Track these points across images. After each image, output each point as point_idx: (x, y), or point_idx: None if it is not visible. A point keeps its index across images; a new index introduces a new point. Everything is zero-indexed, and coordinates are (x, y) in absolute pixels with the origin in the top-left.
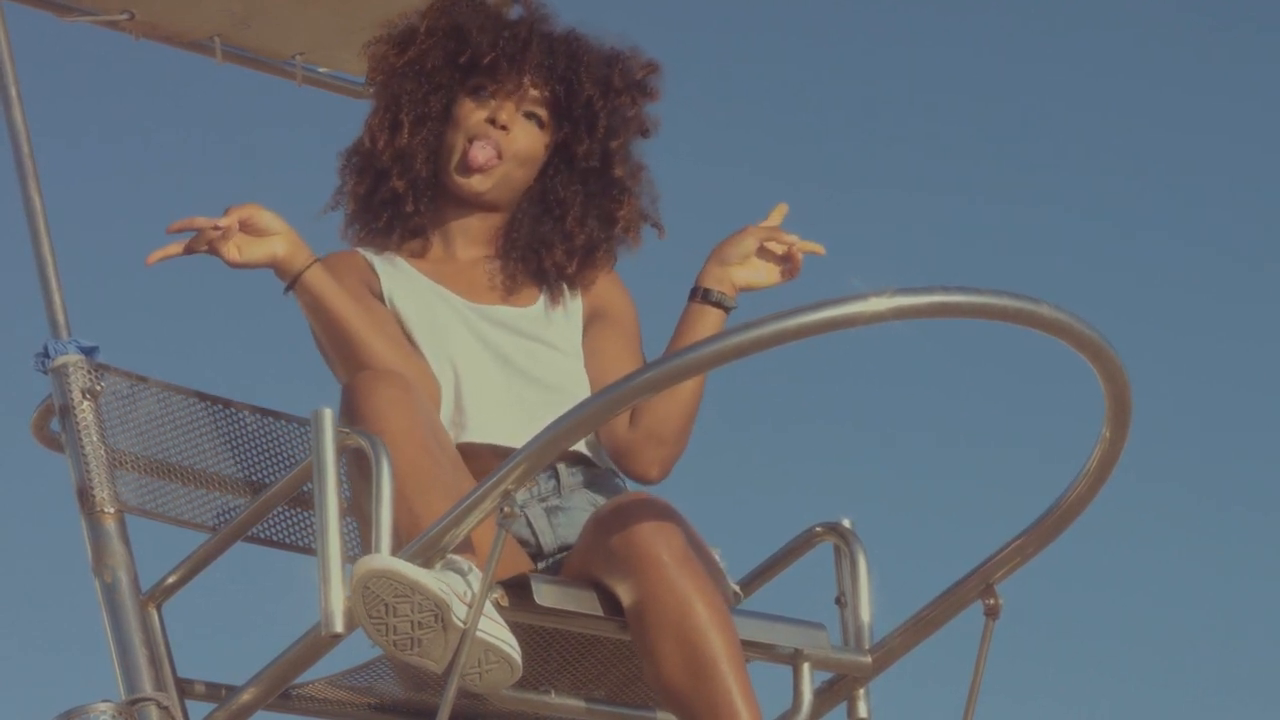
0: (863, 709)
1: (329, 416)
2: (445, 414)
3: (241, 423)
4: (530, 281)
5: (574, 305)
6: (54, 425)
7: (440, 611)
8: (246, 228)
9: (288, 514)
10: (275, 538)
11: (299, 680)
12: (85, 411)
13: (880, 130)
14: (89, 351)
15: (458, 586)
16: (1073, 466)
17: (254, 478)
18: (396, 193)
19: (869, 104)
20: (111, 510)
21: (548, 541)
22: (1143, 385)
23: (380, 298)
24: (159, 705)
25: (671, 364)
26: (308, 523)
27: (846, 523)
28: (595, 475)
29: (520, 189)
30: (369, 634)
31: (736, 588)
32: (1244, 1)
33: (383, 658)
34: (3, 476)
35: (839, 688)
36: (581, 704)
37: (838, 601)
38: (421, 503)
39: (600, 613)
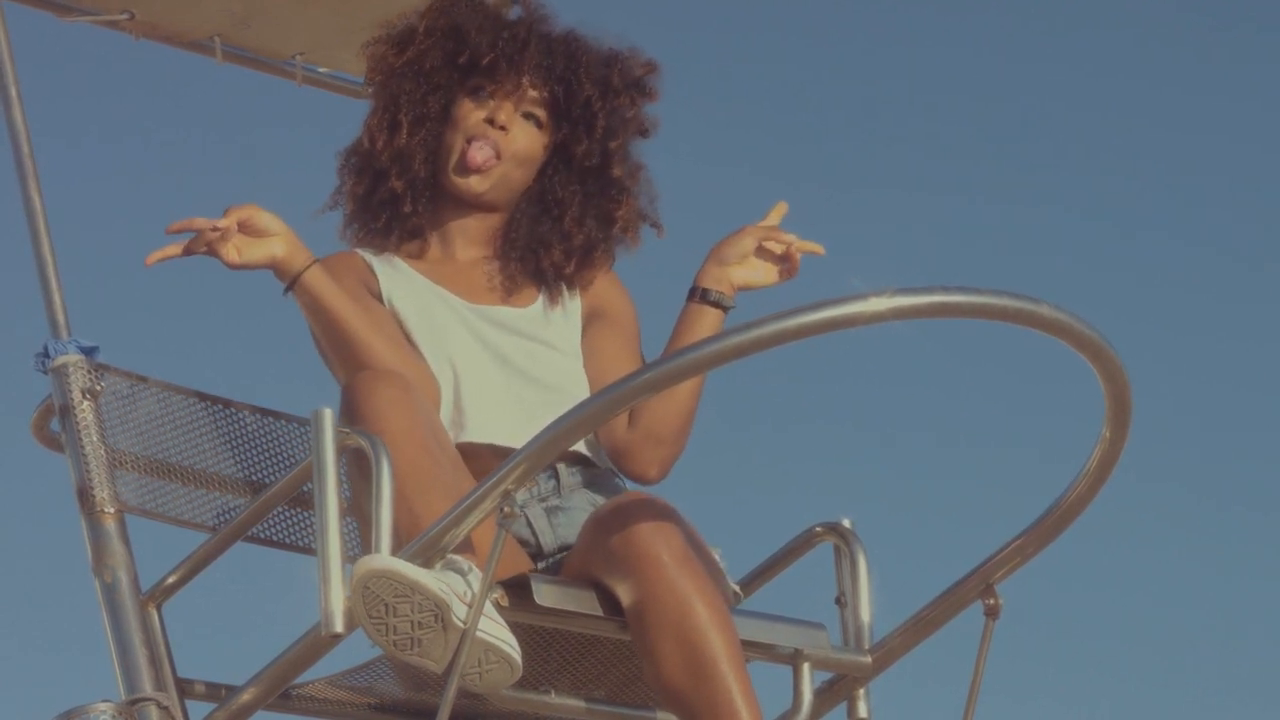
0: (863, 709)
1: (329, 416)
2: (445, 414)
3: (241, 423)
4: (529, 282)
5: (573, 305)
6: (54, 425)
7: (440, 611)
8: (245, 229)
9: (288, 514)
10: (275, 538)
11: (299, 680)
12: (85, 411)
13: (880, 130)
14: (89, 351)
15: (458, 586)
16: (1073, 466)
17: (254, 478)
18: (395, 193)
19: (869, 104)
20: (111, 510)
21: (548, 541)
22: (1143, 385)
23: (379, 298)
24: (159, 705)
25: (671, 364)
26: (308, 523)
27: (846, 523)
28: (595, 475)
29: (519, 189)
30: (369, 634)
31: (736, 588)
32: (1244, 1)
33: (383, 658)
34: (3, 476)
35: (839, 688)
36: (581, 704)
37: (838, 601)
38: (421, 503)
39: (600, 613)
